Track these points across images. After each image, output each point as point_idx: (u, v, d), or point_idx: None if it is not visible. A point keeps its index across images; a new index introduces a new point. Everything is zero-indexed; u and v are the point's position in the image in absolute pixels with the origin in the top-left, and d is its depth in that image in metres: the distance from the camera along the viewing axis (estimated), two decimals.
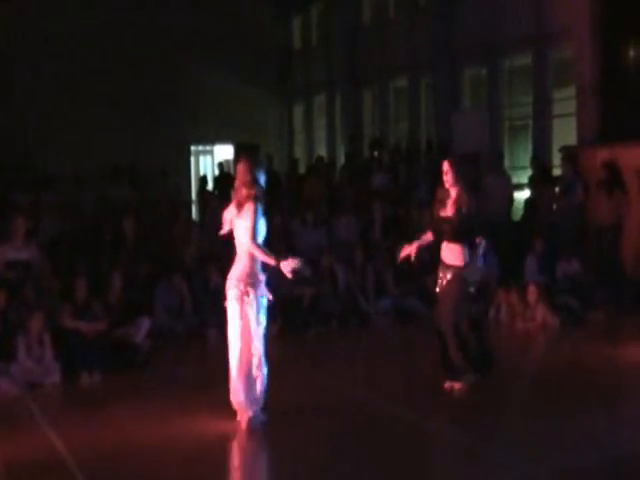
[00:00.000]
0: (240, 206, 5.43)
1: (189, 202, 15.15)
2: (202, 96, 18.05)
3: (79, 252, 9.28)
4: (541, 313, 8.64)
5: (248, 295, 5.39)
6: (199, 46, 17.77)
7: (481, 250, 6.19)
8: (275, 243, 10.13)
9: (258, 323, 5.42)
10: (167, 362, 7.64)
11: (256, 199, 5.39)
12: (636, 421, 5.53)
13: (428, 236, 6.30)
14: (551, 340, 8.41)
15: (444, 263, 6.14)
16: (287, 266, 5.29)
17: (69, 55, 16.41)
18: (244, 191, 5.41)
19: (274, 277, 9.69)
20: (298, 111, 20.28)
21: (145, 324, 7.77)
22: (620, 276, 9.73)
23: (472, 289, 6.14)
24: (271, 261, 5.33)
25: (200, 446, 5.20)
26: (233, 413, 5.58)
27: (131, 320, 7.71)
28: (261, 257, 5.40)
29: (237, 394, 5.43)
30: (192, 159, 19.34)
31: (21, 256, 8.11)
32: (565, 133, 12.28)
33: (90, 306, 7.52)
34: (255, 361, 5.40)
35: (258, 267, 5.46)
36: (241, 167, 5.52)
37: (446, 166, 6.14)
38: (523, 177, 12.90)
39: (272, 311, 8.79)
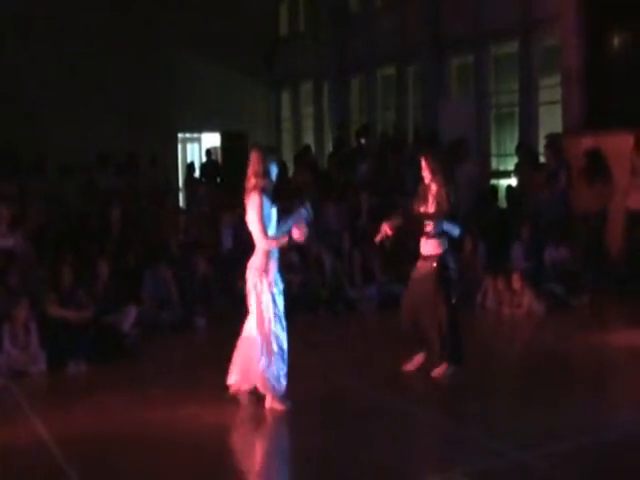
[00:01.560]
0: (248, 195, 5.46)
1: (176, 189, 15.10)
2: (189, 84, 17.95)
3: (65, 240, 9.23)
4: (527, 300, 8.70)
5: (261, 283, 5.42)
6: (186, 33, 17.66)
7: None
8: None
9: (271, 311, 5.44)
10: (154, 351, 7.62)
11: (262, 190, 5.39)
12: (622, 406, 5.58)
13: (397, 220, 6.29)
14: (536, 326, 8.47)
15: (423, 255, 6.19)
16: (298, 233, 5.42)
17: (54, 42, 16.27)
18: (252, 181, 5.43)
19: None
20: (285, 98, 20.22)
21: (132, 312, 7.75)
22: (605, 262, 9.80)
23: (453, 274, 6.20)
24: (284, 240, 5.44)
25: (189, 433, 5.21)
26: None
27: (118, 308, 7.69)
28: (275, 245, 5.45)
29: (256, 378, 5.51)
30: (179, 146, 19.26)
31: (6, 244, 8.07)
32: (551, 120, 12.32)
33: (76, 294, 7.49)
34: (265, 347, 5.45)
35: (271, 255, 5.47)
36: (254, 156, 5.51)
37: (423, 162, 6.17)
38: (510, 164, 12.95)
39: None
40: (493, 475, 4.45)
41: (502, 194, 11.97)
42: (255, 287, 5.47)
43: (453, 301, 6.16)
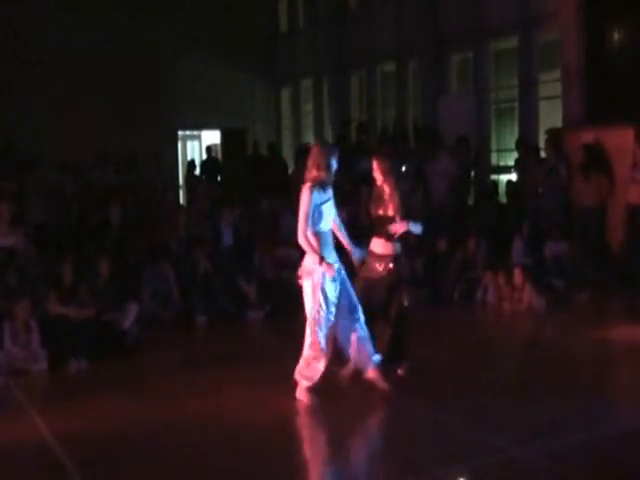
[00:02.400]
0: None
1: (177, 187, 15.11)
2: (189, 81, 17.94)
3: (65, 238, 9.24)
4: (527, 295, 8.70)
5: (307, 279, 5.45)
6: (186, 31, 17.64)
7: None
8: (263, 227, 10.19)
9: (316, 306, 5.45)
10: (155, 348, 7.62)
11: (313, 185, 5.41)
12: (622, 401, 5.59)
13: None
14: (537, 321, 8.47)
15: (375, 254, 6.01)
16: (328, 269, 5.36)
17: (54, 40, 16.26)
18: (314, 173, 5.48)
19: (261, 261, 9.71)
20: (285, 95, 20.20)
21: (133, 310, 7.74)
22: (606, 257, 9.80)
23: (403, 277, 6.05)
24: (315, 256, 5.38)
25: (190, 430, 5.21)
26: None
27: (119, 306, 7.69)
28: (305, 247, 5.43)
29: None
30: (179, 144, 19.27)
31: (6, 242, 8.07)
32: (551, 115, 12.31)
33: (77, 292, 7.49)
34: (308, 341, 5.51)
35: (325, 244, 5.46)
36: (316, 150, 5.57)
37: (375, 163, 6.04)
38: (510, 160, 12.94)
39: (261, 295, 8.88)
40: (493, 470, 4.45)
41: (502, 189, 11.97)
42: (304, 282, 5.48)
43: (406, 304, 6.01)
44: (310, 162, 5.54)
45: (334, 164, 5.54)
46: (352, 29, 17.03)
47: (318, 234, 5.45)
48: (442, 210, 10.89)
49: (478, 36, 13.75)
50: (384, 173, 5.98)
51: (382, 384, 5.65)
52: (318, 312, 5.45)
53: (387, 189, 6.00)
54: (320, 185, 5.44)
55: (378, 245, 6.05)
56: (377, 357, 5.69)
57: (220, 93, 18.21)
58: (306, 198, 5.40)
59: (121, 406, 5.84)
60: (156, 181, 12.34)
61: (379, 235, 6.03)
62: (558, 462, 4.48)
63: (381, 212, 6.02)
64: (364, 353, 5.62)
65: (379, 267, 5.99)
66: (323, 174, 5.45)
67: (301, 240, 5.43)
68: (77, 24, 16.34)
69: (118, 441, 5.09)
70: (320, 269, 5.39)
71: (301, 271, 5.52)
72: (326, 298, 5.43)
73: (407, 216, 5.94)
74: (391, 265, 5.97)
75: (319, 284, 5.41)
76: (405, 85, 15.82)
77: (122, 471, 4.66)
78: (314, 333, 5.49)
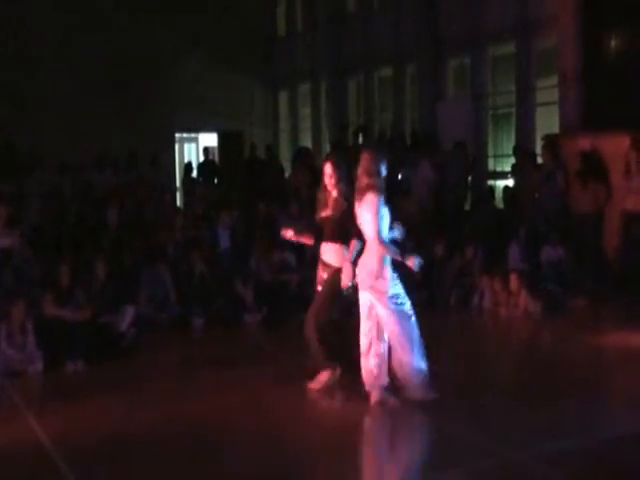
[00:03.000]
0: (361, 195, 5.45)
1: (174, 189, 15.10)
2: (186, 84, 17.94)
3: (62, 240, 9.23)
4: (523, 300, 8.71)
5: (376, 286, 5.40)
6: (184, 34, 17.64)
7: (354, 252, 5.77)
8: (260, 231, 10.18)
9: (389, 311, 5.43)
10: (151, 350, 7.62)
11: (378, 190, 5.40)
12: (618, 406, 5.60)
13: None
14: (533, 327, 8.48)
15: (323, 261, 5.94)
16: (413, 263, 5.34)
17: (54, 40, 16.25)
18: (365, 180, 5.44)
19: (258, 264, 9.69)
20: (283, 99, 20.22)
21: (129, 312, 7.74)
22: (602, 263, 9.82)
23: (349, 291, 5.74)
24: (397, 256, 5.38)
25: (187, 432, 5.21)
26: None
27: (115, 308, 7.69)
28: (385, 252, 5.39)
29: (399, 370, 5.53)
30: (177, 146, 19.26)
31: (3, 243, 8.06)
32: (549, 121, 12.35)
33: (74, 294, 7.48)
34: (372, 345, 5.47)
35: (385, 258, 5.42)
36: (366, 156, 5.54)
37: (327, 167, 5.91)
38: (507, 165, 12.97)
39: (258, 298, 8.85)
40: (490, 474, 4.45)
41: (499, 195, 12.00)
42: (370, 289, 5.43)
43: (336, 316, 5.85)
44: (360, 169, 5.50)
45: (384, 170, 5.54)
46: (350, 33, 17.07)
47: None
48: (424, 214, 10.89)
49: (476, 41, 13.79)
50: (337, 179, 5.84)
51: (424, 395, 5.56)
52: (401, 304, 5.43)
53: (335, 194, 5.86)
54: (380, 192, 5.44)
55: (324, 251, 5.92)
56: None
57: (218, 96, 18.22)
58: (376, 205, 5.36)
59: (117, 408, 5.83)
60: (154, 183, 12.33)
61: (325, 241, 5.90)
62: (555, 466, 4.48)
63: (323, 214, 5.90)
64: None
65: (323, 274, 5.90)
66: (375, 180, 5.44)
67: (377, 243, 5.37)
68: (77, 24, 16.34)
69: (114, 443, 5.08)
70: (387, 276, 5.38)
71: (368, 276, 5.40)
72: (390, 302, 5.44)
73: (346, 221, 5.70)
74: (325, 276, 5.82)
75: (387, 291, 5.40)
76: (403, 90, 15.85)
77: (118, 473, 4.65)
78: (404, 329, 5.45)
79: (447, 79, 14.83)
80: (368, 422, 5.35)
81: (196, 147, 19.58)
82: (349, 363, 5.76)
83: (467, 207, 12.15)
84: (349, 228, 5.68)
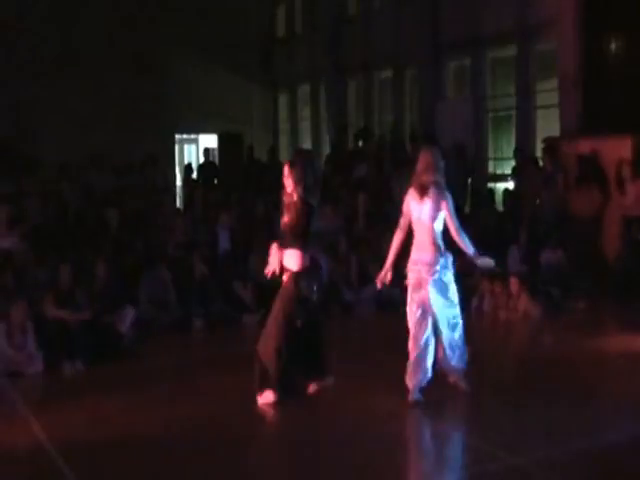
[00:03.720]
0: (423, 191, 5.54)
1: (174, 190, 15.11)
2: (186, 85, 17.95)
3: (62, 240, 9.23)
4: (523, 303, 8.72)
5: (431, 280, 5.55)
6: (184, 35, 17.66)
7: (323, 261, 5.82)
8: (258, 232, 10.18)
9: (446, 303, 5.64)
10: (151, 352, 7.61)
11: (443, 186, 5.54)
12: (617, 410, 5.60)
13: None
14: (533, 330, 8.49)
15: (284, 267, 5.80)
16: (482, 261, 5.58)
17: (53, 41, 16.25)
18: (428, 176, 5.55)
19: (255, 265, 9.68)
20: (283, 100, 20.23)
21: (130, 313, 7.75)
22: (601, 266, 9.84)
23: (314, 295, 5.72)
24: (470, 250, 5.60)
25: (185, 434, 5.21)
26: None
27: (115, 309, 7.69)
28: (461, 246, 5.60)
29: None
30: (177, 147, 19.28)
31: (3, 244, 8.06)
32: (549, 124, 12.36)
33: (74, 295, 7.49)
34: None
35: (441, 252, 5.60)
36: (427, 153, 5.66)
37: (286, 169, 5.77)
38: (507, 168, 12.99)
39: (258, 299, 8.85)
40: (491, 479, 4.46)
41: (499, 197, 12.01)
42: (423, 284, 5.58)
43: (298, 324, 5.71)
44: (420, 167, 5.61)
45: (442, 165, 5.67)
46: (350, 35, 17.08)
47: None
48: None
49: (476, 44, 13.81)
50: (295, 181, 5.72)
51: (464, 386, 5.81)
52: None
53: (294, 197, 5.74)
54: (445, 189, 5.60)
55: (287, 256, 5.78)
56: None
57: (218, 97, 18.23)
58: (449, 198, 5.54)
59: (117, 409, 5.83)
60: (154, 184, 12.33)
61: (285, 247, 5.77)
62: (556, 470, 4.49)
63: (285, 219, 5.76)
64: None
65: (285, 279, 5.79)
66: (439, 177, 5.58)
67: (456, 238, 5.60)
68: (77, 24, 16.34)
69: (114, 444, 5.08)
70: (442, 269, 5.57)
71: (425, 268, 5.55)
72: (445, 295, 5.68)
73: (303, 226, 5.65)
74: (290, 280, 5.71)
75: (442, 284, 5.60)
76: (402, 91, 15.87)
77: (118, 473, 4.66)
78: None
79: (447, 81, 14.85)
80: (367, 427, 5.35)
81: (196, 148, 19.60)
82: (284, 389, 5.64)
83: (467, 210, 12.16)
84: (307, 232, 5.69)
